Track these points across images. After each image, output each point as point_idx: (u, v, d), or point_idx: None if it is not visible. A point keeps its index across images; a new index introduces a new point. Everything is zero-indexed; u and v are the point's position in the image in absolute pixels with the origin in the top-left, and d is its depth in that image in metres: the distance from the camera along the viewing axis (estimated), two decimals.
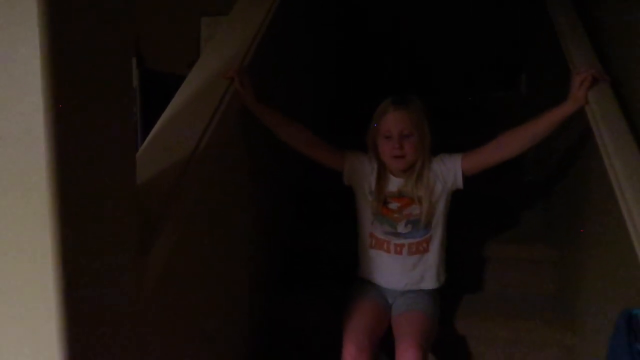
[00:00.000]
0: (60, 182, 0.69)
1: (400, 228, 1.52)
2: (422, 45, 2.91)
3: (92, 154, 0.76)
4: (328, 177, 1.63)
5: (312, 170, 1.78)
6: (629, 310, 1.09)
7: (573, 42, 1.53)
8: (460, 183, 1.50)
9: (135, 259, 0.90)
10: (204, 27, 3.08)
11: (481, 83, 2.72)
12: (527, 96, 2.43)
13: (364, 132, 1.54)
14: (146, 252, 0.93)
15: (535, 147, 1.97)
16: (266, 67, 1.64)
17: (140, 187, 1.01)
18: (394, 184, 1.53)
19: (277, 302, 1.74)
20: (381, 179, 1.53)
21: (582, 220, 1.52)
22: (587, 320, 1.43)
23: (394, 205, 1.53)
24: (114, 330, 0.84)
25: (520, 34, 2.57)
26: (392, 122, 1.47)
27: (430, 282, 1.55)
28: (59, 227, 0.70)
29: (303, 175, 2.09)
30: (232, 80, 1.36)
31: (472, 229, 1.83)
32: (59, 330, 0.71)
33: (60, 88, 0.68)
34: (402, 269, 1.54)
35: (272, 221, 1.80)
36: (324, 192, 2.08)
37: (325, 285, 1.81)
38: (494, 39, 2.76)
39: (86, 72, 0.74)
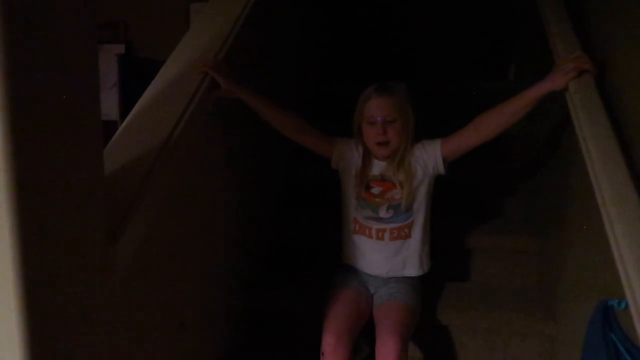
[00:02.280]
0: (18, 172, 0.68)
1: (382, 212, 1.52)
2: (411, 35, 2.91)
3: (53, 142, 0.74)
4: (313, 165, 1.62)
5: (297, 158, 1.77)
6: (605, 301, 1.10)
7: (559, 33, 1.51)
8: (441, 168, 1.50)
9: (103, 249, 0.89)
10: (193, 13, 3.05)
11: (471, 72, 2.72)
12: (516, 85, 2.42)
13: (350, 118, 1.54)
14: (114, 242, 0.92)
15: (518, 135, 1.98)
16: (247, 55, 1.62)
17: (110, 177, 1.00)
18: (377, 167, 1.53)
19: (258, 291, 1.73)
20: (365, 163, 1.54)
21: (562, 211, 1.52)
22: (567, 310, 1.44)
23: (376, 189, 1.53)
24: (81, 323, 0.84)
25: (510, 25, 2.56)
26: (375, 108, 1.47)
27: (413, 269, 1.55)
28: (17, 218, 0.68)
29: (287, 163, 2.08)
30: (206, 73, 1.34)
31: (455, 219, 1.83)
32: (20, 326, 0.70)
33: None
34: (384, 255, 1.54)
35: (255, 209, 1.79)
36: (309, 180, 2.08)
37: (307, 273, 1.81)
38: (483, 29, 2.77)
39: (47, 57, 0.72)
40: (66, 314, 0.80)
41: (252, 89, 1.46)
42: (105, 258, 0.89)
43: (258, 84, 1.69)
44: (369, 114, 1.48)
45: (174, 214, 1.17)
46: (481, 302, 1.64)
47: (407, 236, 1.53)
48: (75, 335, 0.82)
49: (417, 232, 1.53)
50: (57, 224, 0.76)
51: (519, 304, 1.63)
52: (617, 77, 1.27)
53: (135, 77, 2.79)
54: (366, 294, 1.54)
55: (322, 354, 1.37)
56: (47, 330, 0.76)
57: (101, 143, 0.88)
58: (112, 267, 0.91)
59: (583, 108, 1.20)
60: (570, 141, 1.42)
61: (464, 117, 1.47)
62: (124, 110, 2.59)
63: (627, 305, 0.93)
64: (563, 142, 1.57)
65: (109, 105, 2.59)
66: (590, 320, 1.12)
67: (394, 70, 2.52)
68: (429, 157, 1.50)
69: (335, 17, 3.00)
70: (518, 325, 1.57)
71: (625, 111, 1.20)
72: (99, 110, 0.88)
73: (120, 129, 1.13)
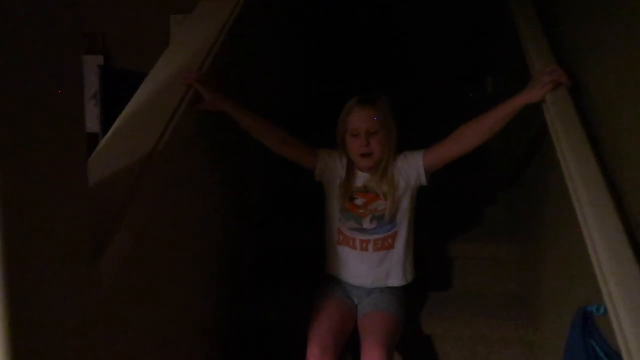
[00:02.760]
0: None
1: (366, 224, 1.53)
2: (392, 47, 2.95)
3: (35, 154, 0.73)
4: (299, 175, 1.63)
5: (283, 168, 1.77)
6: (584, 307, 1.12)
7: (535, 49, 1.56)
8: (423, 179, 1.52)
9: (87, 263, 0.87)
10: (173, 25, 3.04)
11: (450, 83, 2.78)
12: (493, 96, 2.48)
13: (335, 125, 1.55)
14: (99, 254, 0.90)
15: (498, 145, 2.02)
16: (230, 66, 1.62)
17: (95, 188, 0.99)
18: (361, 179, 1.55)
19: (245, 301, 1.72)
20: (349, 174, 1.55)
21: (542, 219, 1.55)
22: (548, 316, 1.46)
23: (359, 200, 1.54)
24: (64, 338, 0.82)
25: (488, 38, 2.63)
26: (358, 120, 1.49)
27: (396, 280, 1.56)
28: None
29: (274, 173, 2.08)
30: (190, 85, 1.34)
31: (437, 227, 1.85)
32: (1, 341, 0.69)
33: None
34: (368, 265, 1.55)
35: (241, 220, 1.78)
36: (294, 190, 2.08)
37: (293, 283, 1.81)
38: (462, 43, 2.83)
39: (32, 69, 0.72)
40: (48, 330, 0.78)
41: (235, 100, 1.46)
42: (89, 272, 0.88)
43: (242, 94, 1.69)
44: (352, 127, 1.49)
45: (159, 227, 1.16)
46: (463, 311, 1.66)
47: (391, 247, 1.55)
48: (58, 351, 0.81)
49: (400, 243, 1.55)
50: (39, 238, 0.75)
51: (501, 312, 1.65)
52: (590, 89, 1.32)
53: (114, 88, 2.76)
54: (350, 304, 1.55)
55: None
56: (29, 345, 0.74)
57: (85, 154, 0.87)
58: (96, 282, 0.90)
59: (560, 119, 1.24)
60: (547, 151, 1.45)
61: (446, 127, 1.50)
62: (104, 122, 2.55)
63: (605, 311, 0.95)
64: (541, 151, 1.61)
65: (88, 117, 2.55)
66: (570, 326, 1.15)
67: (377, 81, 2.56)
68: (411, 169, 1.52)
69: (319, 26, 3.03)
70: (500, 332, 1.59)
71: (599, 121, 1.24)
72: (83, 121, 0.87)
73: (104, 140, 1.12)
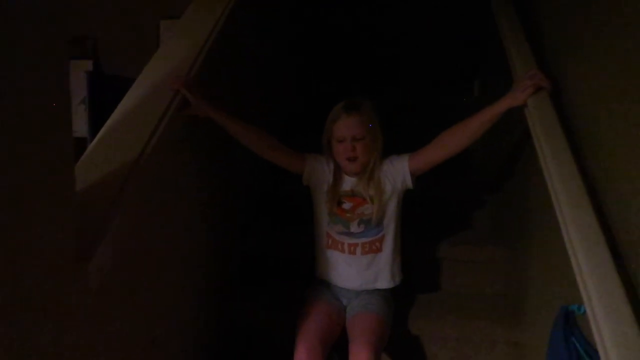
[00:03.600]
0: None
1: (353, 228, 1.55)
2: (380, 52, 2.98)
3: (21, 157, 0.74)
4: (286, 180, 1.64)
5: (271, 172, 1.79)
6: (566, 307, 1.14)
7: (517, 52, 1.59)
8: (409, 183, 1.54)
9: (75, 265, 0.88)
10: (163, 31, 3.04)
11: (438, 88, 2.81)
12: (480, 100, 2.51)
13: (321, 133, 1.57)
14: (87, 259, 0.91)
15: (482, 149, 2.05)
16: (218, 72, 1.64)
17: (81, 194, 1.00)
18: (348, 183, 1.56)
19: (233, 304, 1.73)
20: (336, 178, 1.57)
21: (526, 221, 1.58)
22: (533, 317, 1.48)
23: (347, 205, 1.55)
24: (51, 340, 0.83)
25: (474, 45, 2.67)
26: (344, 127, 1.50)
27: (384, 282, 1.58)
28: None
29: (260, 176, 2.09)
30: (178, 91, 1.35)
31: (425, 231, 1.87)
32: None
33: None
34: (357, 269, 1.57)
35: (227, 224, 1.79)
36: (282, 194, 2.09)
37: (281, 286, 1.82)
38: (450, 49, 2.86)
39: (19, 74, 0.73)
40: (36, 331, 0.79)
41: (222, 107, 1.47)
42: (76, 276, 0.88)
43: (234, 98, 1.71)
44: (339, 134, 1.51)
45: (146, 230, 1.17)
46: (451, 312, 1.68)
47: (379, 250, 1.56)
48: (46, 355, 0.81)
49: (388, 246, 1.56)
50: (24, 241, 0.76)
51: (487, 313, 1.67)
52: (569, 92, 1.35)
53: (103, 94, 2.76)
54: (339, 306, 1.56)
55: None
56: (17, 348, 0.75)
57: (72, 159, 0.88)
58: (83, 286, 0.91)
59: (541, 122, 1.27)
60: (531, 154, 1.48)
61: (432, 130, 1.52)
62: (93, 127, 2.55)
63: (585, 310, 0.97)
64: (525, 155, 1.63)
65: (78, 122, 2.56)
66: (553, 325, 1.17)
67: (363, 86, 2.58)
68: (397, 173, 1.54)
69: (308, 32, 3.05)
70: (486, 333, 1.61)
71: (578, 123, 1.27)
72: (70, 126, 0.88)
73: (92, 145, 1.13)
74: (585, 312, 1.03)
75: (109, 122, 1.19)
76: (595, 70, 1.19)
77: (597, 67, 1.18)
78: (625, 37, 1.06)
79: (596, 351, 0.99)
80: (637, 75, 1.00)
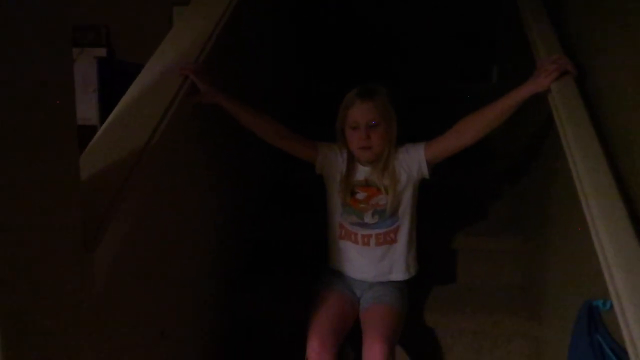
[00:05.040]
0: None
1: (367, 218, 1.51)
2: (394, 38, 2.92)
3: (25, 146, 0.72)
4: (297, 168, 1.61)
5: (282, 161, 1.76)
6: (590, 302, 1.10)
7: (540, 35, 1.52)
8: (425, 172, 1.49)
9: (80, 256, 0.86)
10: (176, 16, 3.02)
11: (456, 74, 2.74)
12: (498, 86, 2.45)
13: (333, 121, 1.52)
14: (92, 249, 0.89)
15: (502, 138, 1.99)
16: (227, 58, 1.60)
17: (88, 182, 0.97)
18: (362, 172, 1.52)
19: (243, 295, 1.71)
20: (350, 168, 1.52)
21: (546, 211, 1.53)
22: (553, 310, 1.44)
23: (361, 195, 1.51)
24: (57, 331, 0.81)
25: (492, 28, 2.59)
26: (358, 113, 1.46)
27: (399, 274, 1.54)
28: None
29: (272, 166, 2.06)
30: (187, 77, 1.32)
31: (441, 220, 1.83)
32: None
33: None
34: (370, 260, 1.53)
35: (237, 213, 1.77)
36: (293, 183, 2.06)
37: (292, 277, 1.80)
38: (467, 33, 2.79)
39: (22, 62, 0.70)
40: (41, 323, 0.77)
41: (232, 93, 1.44)
42: (83, 265, 0.86)
43: (239, 87, 1.67)
44: (352, 120, 1.46)
45: (154, 219, 1.15)
46: (467, 304, 1.64)
47: (393, 241, 1.52)
48: (52, 346, 0.80)
49: (402, 237, 1.52)
50: (30, 231, 0.74)
51: (505, 305, 1.63)
52: (596, 77, 1.29)
53: (116, 80, 2.75)
54: (352, 297, 1.53)
55: (307, 359, 1.35)
56: (22, 339, 0.73)
57: (76, 147, 0.86)
58: (89, 275, 0.89)
59: (565, 108, 1.21)
60: (553, 142, 1.42)
61: (449, 119, 1.47)
62: (105, 114, 2.55)
63: (611, 306, 0.93)
64: (546, 143, 1.57)
65: (90, 110, 2.55)
66: (576, 321, 1.13)
67: (377, 73, 2.53)
68: (413, 161, 1.49)
69: (317, 18, 3.00)
70: (504, 326, 1.57)
71: (605, 111, 1.21)
72: (74, 114, 0.85)
73: (99, 133, 1.10)
74: (611, 307, 0.98)
75: (116, 109, 1.17)
76: (624, 53, 1.13)
77: (626, 49, 1.12)
78: None
79: (623, 349, 0.95)
80: None
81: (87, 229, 0.89)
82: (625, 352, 0.87)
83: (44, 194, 0.77)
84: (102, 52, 3.05)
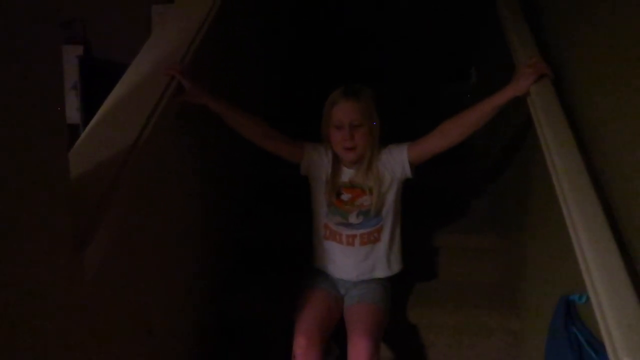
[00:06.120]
0: None
1: (352, 219, 1.53)
2: (377, 41, 2.95)
3: (14, 144, 0.72)
4: (283, 169, 1.61)
5: (267, 161, 1.76)
6: (567, 296, 1.14)
7: (519, 39, 1.57)
8: (409, 172, 1.51)
9: (70, 255, 0.86)
10: (154, 15, 2.99)
11: (435, 75, 2.78)
12: (477, 86, 2.50)
13: (316, 120, 1.53)
14: (82, 248, 0.89)
15: (482, 137, 2.04)
16: (213, 58, 1.60)
17: (76, 181, 0.97)
18: (346, 174, 1.54)
19: (228, 295, 1.71)
20: (335, 169, 1.53)
21: (525, 209, 1.57)
22: (531, 306, 1.48)
23: (346, 196, 1.53)
24: (46, 329, 0.81)
25: (471, 30, 2.64)
26: (342, 112, 1.47)
27: (382, 271, 1.57)
28: None
29: (258, 165, 2.06)
30: (173, 77, 1.31)
31: (423, 219, 1.86)
32: None
33: None
34: (354, 260, 1.55)
35: (225, 212, 1.77)
36: (279, 184, 2.07)
37: (278, 276, 1.80)
38: (446, 35, 2.84)
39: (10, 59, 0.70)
40: (31, 321, 0.77)
41: (218, 94, 1.44)
42: (72, 265, 0.86)
43: (224, 87, 1.67)
44: (336, 119, 1.47)
45: (143, 218, 1.15)
46: (448, 300, 1.67)
47: (377, 240, 1.55)
48: (42, 346, 0.80)
49: (385, 236, 1.55)
50: (20, 230, 0.73)
51: (485, 301, 1.67)
52: (572, 80, 1.33)
53: (95, 79, 2.71)
54: (336, 295, 1.55)
55: (294, 357, 1.36)
56: (13, 340, 0.73)
57: (65, 145, 0.86)
58: (79, 274, 0.89)
59: (543, 110, 1.25)
60: (531, 143, 1.47)
61: (429, 118, 1.49)
62: (85, 113, 2.50)
63: (587, 299, 0.96)
64: (525, 143, 1.62)
65: (69, 109, 2.50)
66: (553, 315, 1.17)
67: (358, 74, 2.55)
68: (396, 162, 1.51)
69: (301, 20, 3.01)
70: (484, 322, 1.61)
71: (582, 112, 1.26)
72: (64, 111, 0.85)
73: (86, 132, 1.09)
74: (586, 301, 1.03)
75: (103, 108, 1.16)
76: (597, 56, 1.18)
77: (599, 53, 1.17)
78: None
79: (598, 341, 0.99)
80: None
81: (77, 229, 0.88)
82: (601, 345, 0.90)
83: (33, 194, 0.77)
84: (78, 49, 2.99)
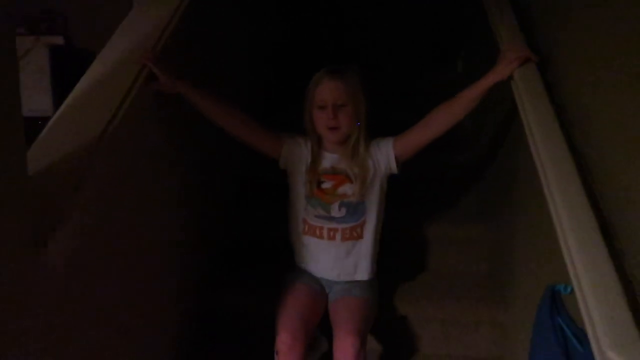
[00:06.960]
0: None
1: (334, 211, 1.48)
2: (365, 29, 2.91)
3: None
4: (265, 165, 1.56)
5: (249, 157, 1.72)
6: (552, 287, 1.12)
7: (503, 24, 1.53)
8: (394, 167, 1.47)
9: (30, 251, 0.82)
10: (136, 4, 2.92)
11: (422, 63, 2.75)
12: (464, 74, 2.47)
13: (300, 112, 1.48)
14: (43, 244, 0.85)
15: (468, 128, 2.01)
16: (188, 46, 1.54)
17: (39, 175, 0.93)
18: (328, 160, 1.49)
19: (210, 290, 1.68)
20: (315, 156, 1.48)
21: (511, 199, 1.55)
22: (518, 296, 1.46)
23: (327, 184, 1.48)
24: (8, 329, 0.77)
25: (457, 18, 2.61)
26: (326, 91, 1.42)
27: (364, 273, 1.52)
28: None
29: (241, 157, 2.02)
30: (144, 65, 1.26)
31: (410, 210, 1.83)
32: None
33: None
34: (335, 256, 1.50)
35: (203, 207, 1.72)
36: (262, 177, 2.03)
37: (260, 272, 1.77)
38: (433, 23, 2.80)
39: None
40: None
41: (194, 83, 1.38)
42: (34, 261, 0.83)
43: (202, 76, 1.62)
44: (320, 98, 1.42)
45: (113, 213, 1.10)
46: (435, 292, 1.65)
47: (359, 237, 1.50)
48: (15, 347, 0.76)
49: (368, 234, 1.50)
50: None
51: (472, 293, 1.65)
52: (557, 64, 1.30)
53: (73, 70, 2.64)
54: (320, 289, 1.51)
55: (277, 352, 1.33)
56: None
57: (22, 139, 0.81)
58: (43, 270, 0.85)
59: (527, 94, 1.23)
60: (517, 132, 1.44)
61: (414, 108, 1.46)
62: (58, 105, 2.44)
63: (572, 290, 0.94)
64: (511, 131, 1.59)
65: (43, 100, 2.43)
66: (539, 306, 1.15)
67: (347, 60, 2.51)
68: (382, 156, 1.47)
69: (285, 9, 2.95)
70: (471, 314, 1.59)
71: (567, 97, 1.23)
72: (19, 105, 0.81)
73: (50, 124, 1.05)
74: (571, 292, 1.00)
75: (69, 99, 1.11)
76: (584, 41, 1.15)
77: (586, 38, 1.14)
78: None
79: (583, 332, 0.97)
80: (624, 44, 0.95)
81: (38, 223, 0.84)
82: (585, 335, 0.88)
83: None
84: (59, 40, 2.92)
